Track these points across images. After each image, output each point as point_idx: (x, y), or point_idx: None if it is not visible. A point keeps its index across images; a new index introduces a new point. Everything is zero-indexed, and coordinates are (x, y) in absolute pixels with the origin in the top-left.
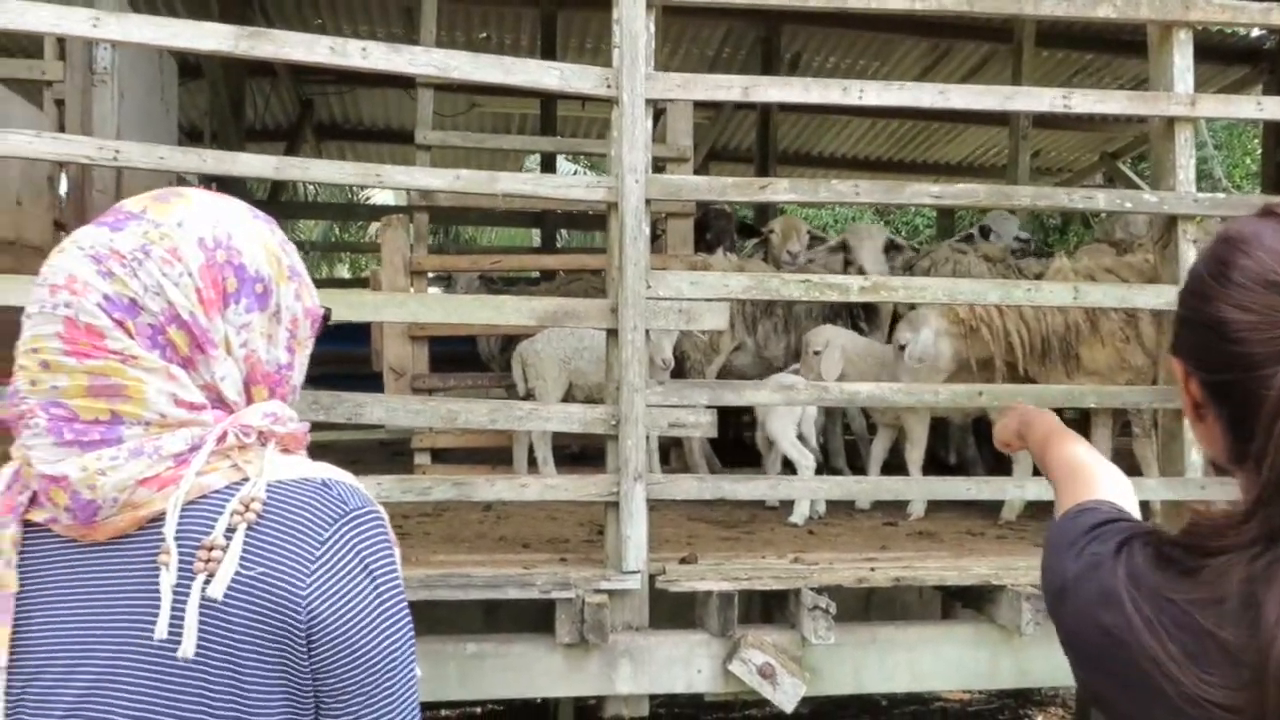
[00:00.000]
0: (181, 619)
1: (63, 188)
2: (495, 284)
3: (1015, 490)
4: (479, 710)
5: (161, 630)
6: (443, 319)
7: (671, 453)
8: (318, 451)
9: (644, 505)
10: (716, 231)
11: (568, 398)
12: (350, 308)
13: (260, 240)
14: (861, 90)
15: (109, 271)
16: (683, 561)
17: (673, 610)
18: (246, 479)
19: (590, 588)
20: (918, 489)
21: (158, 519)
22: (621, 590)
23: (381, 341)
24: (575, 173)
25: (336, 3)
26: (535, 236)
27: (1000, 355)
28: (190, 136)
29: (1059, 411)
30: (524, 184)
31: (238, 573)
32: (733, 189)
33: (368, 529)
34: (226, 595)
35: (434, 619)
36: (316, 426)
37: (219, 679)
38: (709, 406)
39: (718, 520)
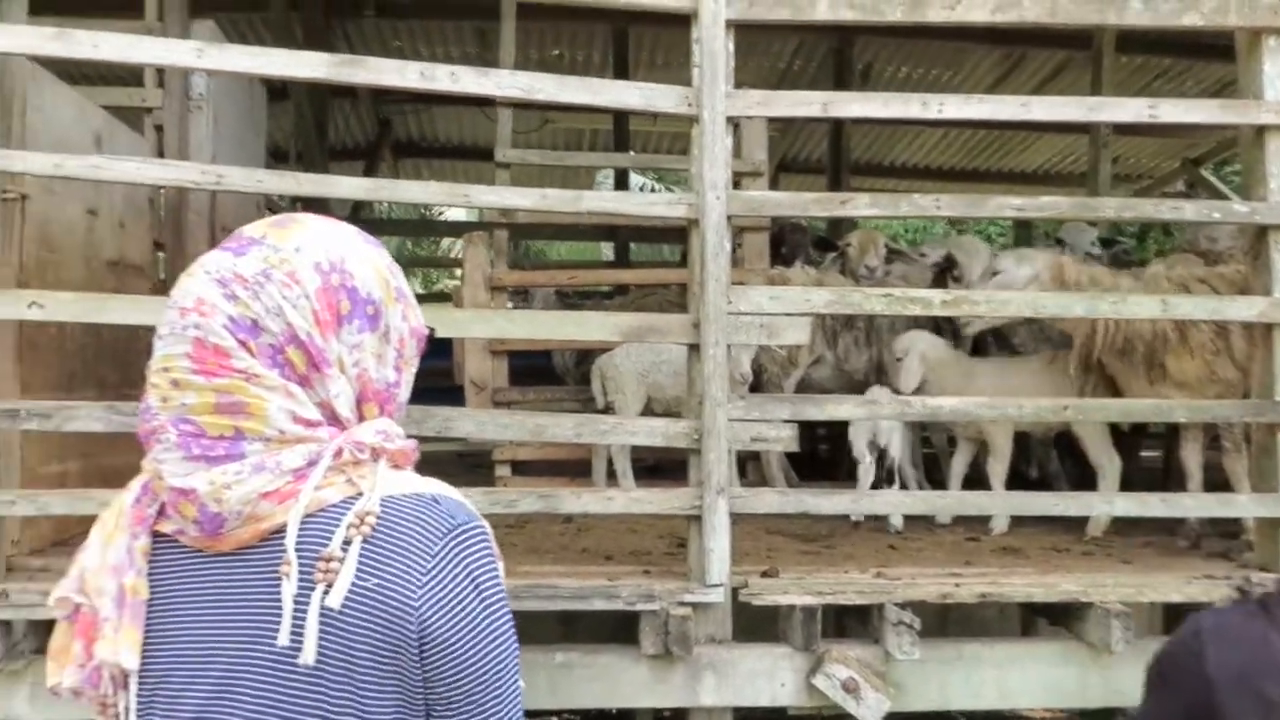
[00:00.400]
0: (302, 627)
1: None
2: (570, 298)
3: (1103, 506)
4: (554, 718)
5: (284, 638)
6: (528, 334)
7: (748, 466)
8: None
9: (727, 519)
10: (792, 245)
11: (646, 411)
12: (439, 324)
13: (371, 264)
14: (941, 104)
15: (233, 294)
16: (764, 575)
17: (752, 623)
18: (361, 493)
19: (674, 600)
20: (1002, 504)
21: (278, 531)
22: (705, 603)
23: (463, 355)
24: (644, 187)
25: (414, 26)
26: (603, 249)
27: (1082, 336)
28: (276, 157)
29: (1144, 426)
30: (607, 202)
31: (354, 583)
32: (813, 204)
33: (474, 543)
34: (344, 605)
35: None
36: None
37: (336, 685)
38: (790, 421)
39: (796, 534)
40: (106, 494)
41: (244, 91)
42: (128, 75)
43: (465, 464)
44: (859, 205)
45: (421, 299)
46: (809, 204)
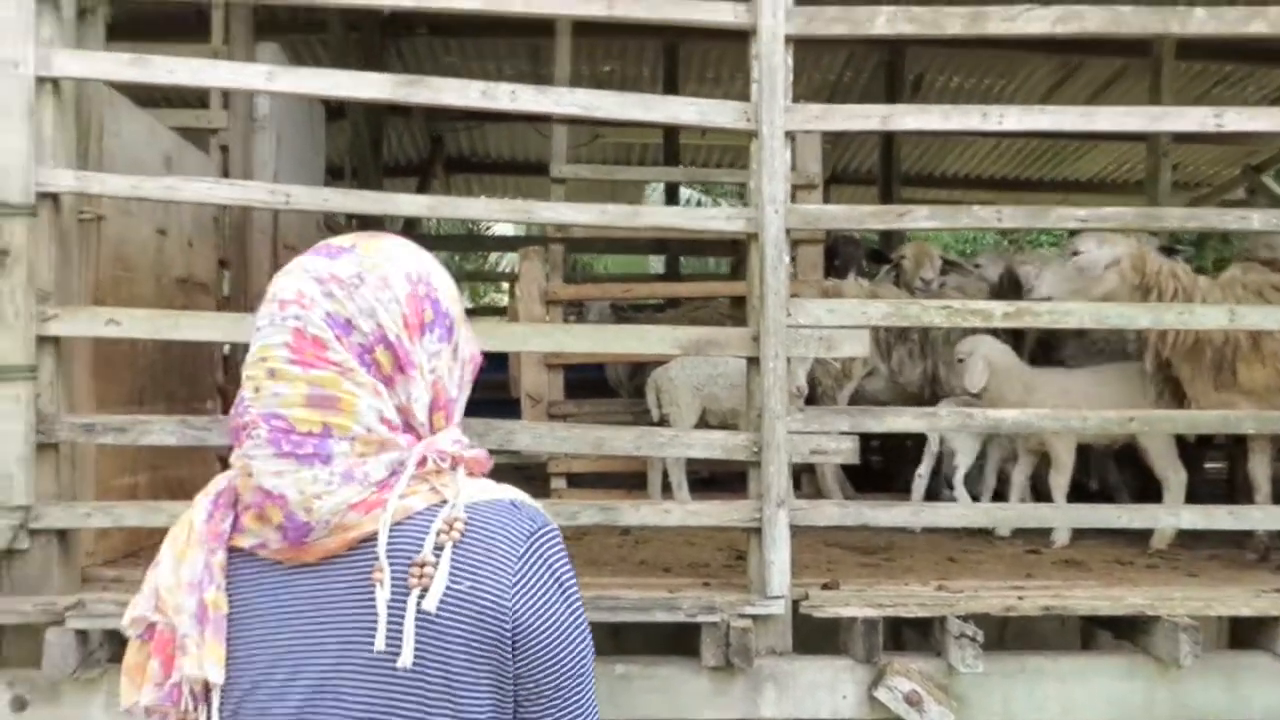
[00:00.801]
0: (399, 631)
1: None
2: (625, 311)
3: (1169, 518)
4: None
5: (380, 642)
6: (588, 348)
7: (803, 478)
8: None
9: (787, 531)
10: (844, 258)
11: (700, 423)
12: (499, 339)
13: (447, 284)
14: (1002, 115)
15: (330, 292)
16: (825, 587)
17: (809, 635)
18: (444, 501)
19: (735, 612)
20: (1066, 516)
21: (366, 540)
22: (765, 615)
23: (519, 369)
24: (690, 200)
25: (465, 43)
26: (649, 261)
27: (1153, 336)
28: (332, 174)
29: (1209, 437)
30: (666, 216)
31: (448, 587)
32: (871, 217)
33: (553, 544)
34: (439, 608)
35: None
36: None
37: (434, 685)
38: (849, 433)
39: (854, 546)
40: (178, 506)
41: (304, 112)
42: (193, 98)
43: (520, 475)
44: (917, 217)
45: (470, 313)
46: (866, 216)
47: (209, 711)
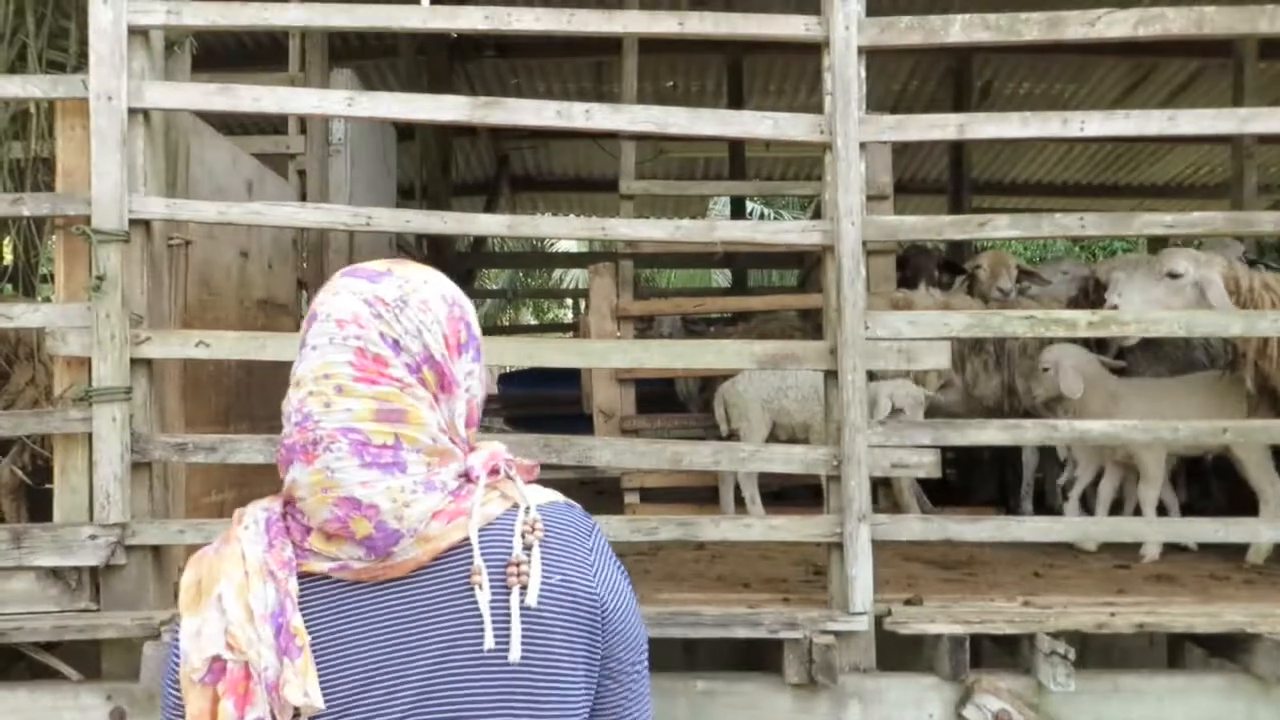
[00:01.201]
0: (504, 628)
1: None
2: (695, 325)
3: (1270, 533)
4: None
5: (489, 641)
6: (665, 364)
7: (879, 492)
8: None
9: (869, 546)
10: (915, 268)
11: (770, 437)
12: (578, 355)
13: (472, 309)
14: (1083, 122)
15: (379, 314)
16: (908, 603)
17: (889, 652)
18: (515, 505)
19: (817, 628)
20: (1159, 530)
21: (451, 549)
22: (848, 631)
23: (591, 384)
24: (753, 213)
25: (530, 64)
26: (713, 275)
27: (1253, 352)
28: (403, 194)
29: None
30: (739, 230)
31: (543, 582)
32: (950, 227)
33: (603, 536)
34: (540, 602)
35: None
36: None
37: (540, 676)
38: (931, 446)
39: (933, 561)
40: None
41: (377, 135)
42: (270, 124)
43: (588, 490)
44: (999, 226)
45: (535, 330)
46: (945, 227)
47: None
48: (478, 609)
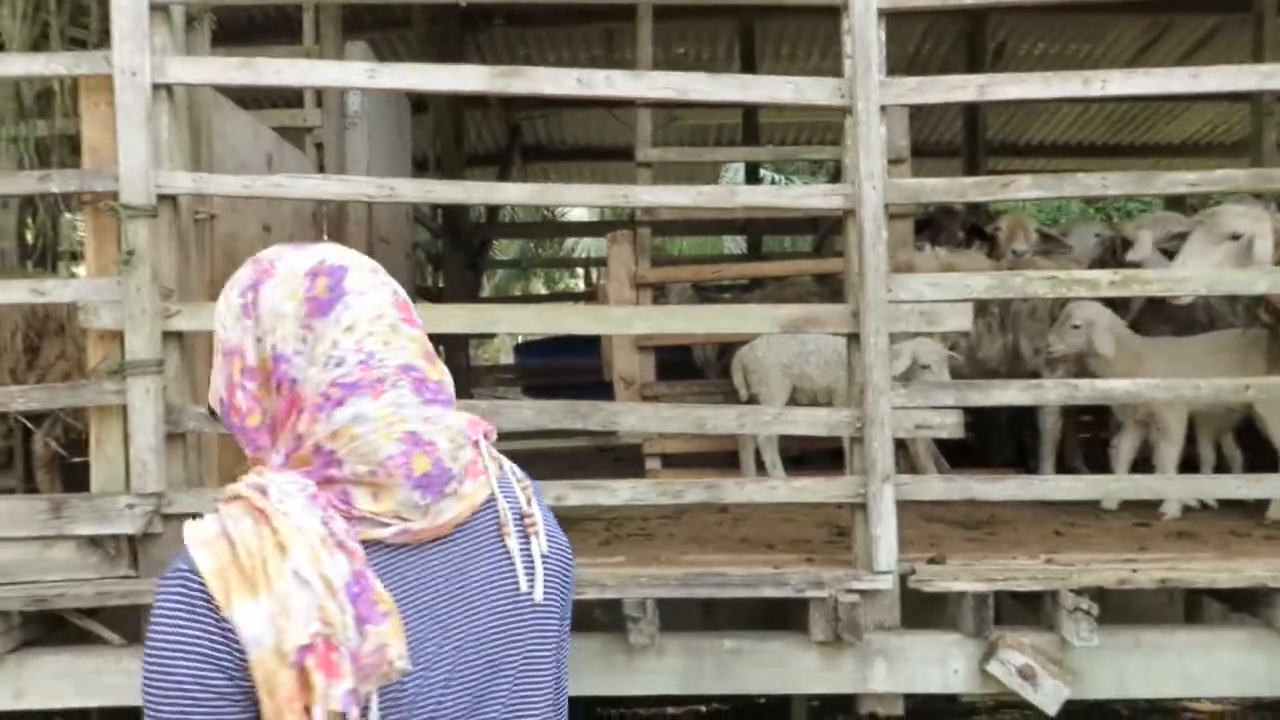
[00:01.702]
0: (530, 574)
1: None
2: (707, 292)
3: None
4: (703, 709)
5: (524, 584)
6: (687, 329)
7: (896, 453)
8: (539, 459)
9: (893, 506)
10: (934, 230)
11: (791, 401)
12: (601, 322)
13: None
14: (1104, 81)
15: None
16: (931, 562)
17: (914, 610)
18: (501, 466)
19: (842, 587)
20: (1181, 487)
21: (480, 506)
22: (873, 590)
23: (611, 351)
24: (765, 179)
25: (541, 33)
26: (724, 242)
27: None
28: (417, 166)
29: None
30: (761, 196)
31: (547, 532)
32: (972, 189)
33: None
34: (549, 550)
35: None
36: (539, 434)
37: (551, 617)
38: (954, 407)
39: (955, 521)
40: None
41: (392, 107)
42: (286, 98)
43: (606, 457)
44: (1021, 187)
45: (547, 299)
46: (968, 189)
47: (369, 709)
48: (508, 558)
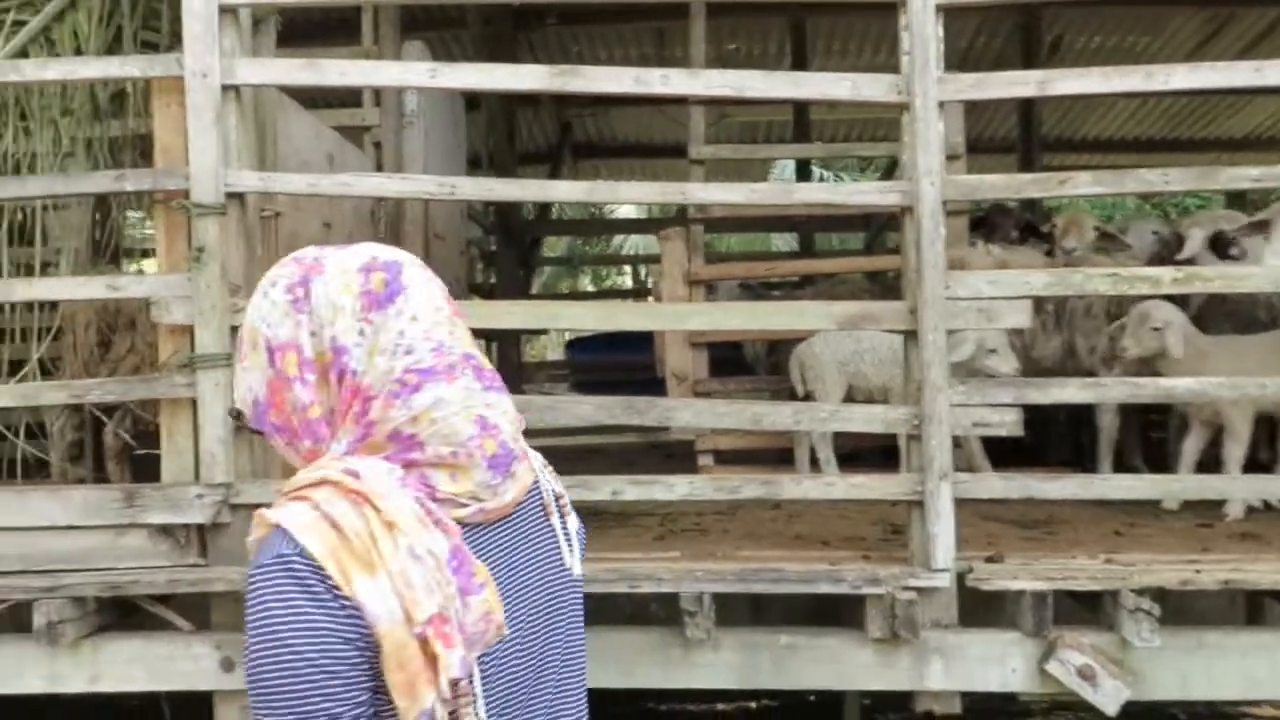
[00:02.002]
0: (569, 548)
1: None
2: (754, 289)
3: None
4: (753, 705)
5: (568, 559)
6: (743, 326)
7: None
8: (591, 455)
9: (950, 504)
10: (989, 228)
11: (846, 399)
12: (657, 318)
13: None
14: (1168, 75)
15: None
16: (989, 560)
17: (969, 609)
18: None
19: (899, 584)
20: (1246, 487)
21: (529, 490)
22: (930, 588)
23: (664, 348)
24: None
25: (593, 31)
26: (772, 239)
27: None
28: (470, 164)
29: None
30: (818, 192)
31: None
32: (1031, 185)
33: None
34: (579, 529)
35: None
36: (590, 430)
37: (581, 589)
38: (1013, 405)
39: (1012, 520)
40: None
41: (447, 106)
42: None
43: (657, 454)
44: (1080, 183)
45: (593, 296)
46: (1026, 185)
47: (473, 676)
48: (553, 536)
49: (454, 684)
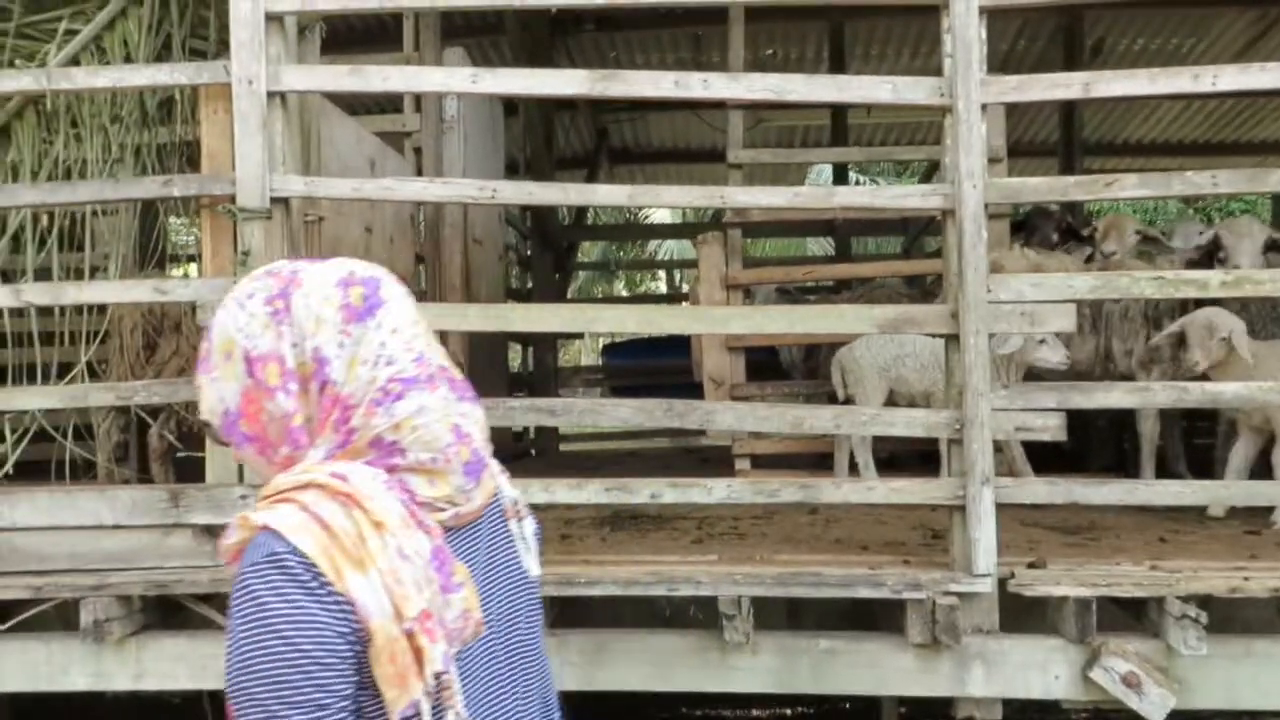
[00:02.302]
0: (527, 551)
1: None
2: (791, 294)
3: None
4: (789, 712)
5: (525, 560)
6: (785, 330)
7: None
8: (627, 459)
9: (992, 509)
10: (1029, 230)
11: (887, 404)
12: (699, 322)
13: None
14: (1215, 76)
15: None
16: (1031, 566)
17: (1009, 616)
18: None
19: (940, 589)
20: None
21: (493, 496)
22: (971, 593)
23: (701, 352)
24: (855, 181)
25: (630, 36)
26: (807, 244)
27: None
28: (508, 169)
29: None
30: (859, 196)
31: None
32: (1075, 188)
33: None
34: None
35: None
36: (624, 435)
37: (538, 590)
38: (1057, 409)
39: (1053, 526)
40: None
41: (486, 111)
42: (387, 104)
43: (692, 459)
44: (1126, 186)
45: (627, 301)
46: (1069, 187)
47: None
48: (513, 538)
49: (437, 676)
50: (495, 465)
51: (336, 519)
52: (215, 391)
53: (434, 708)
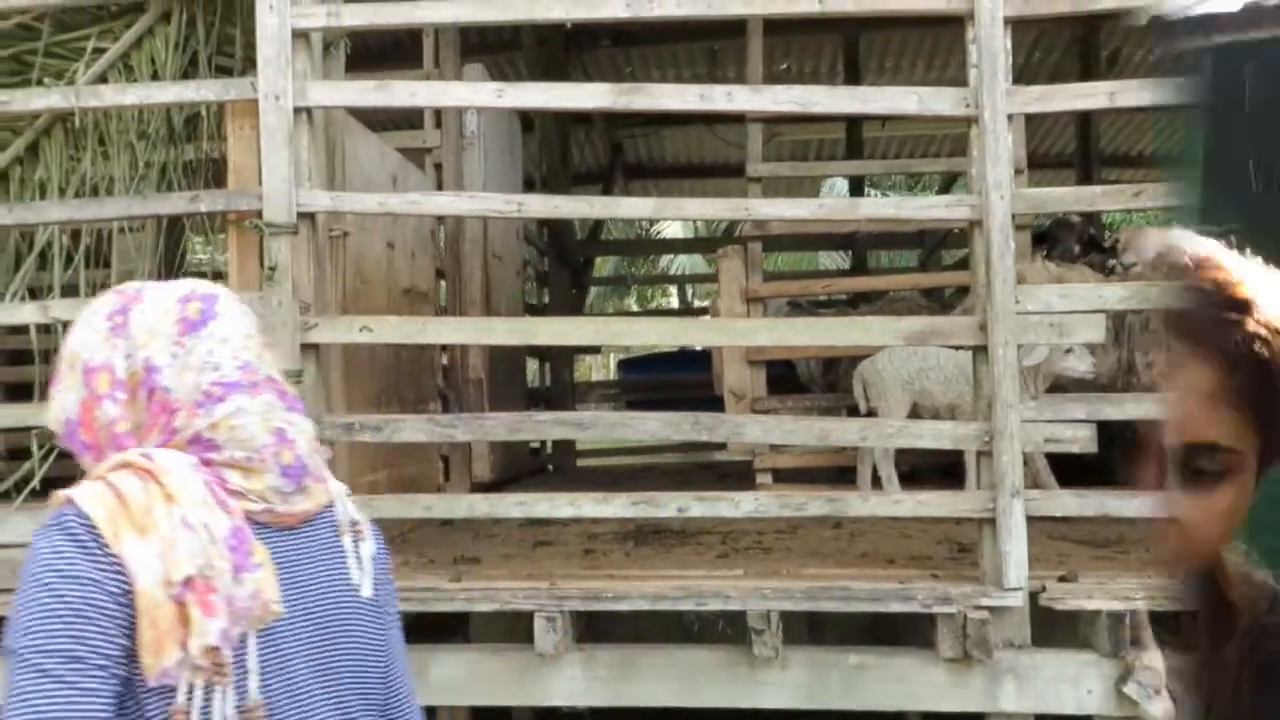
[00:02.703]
0: (359, 571)
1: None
2: (804, 308)
3: None
4: None
5: (356, 577)
6: (810, 343)
7: None
8: (648, 473)
9: (1023, 521)
10: (1051, 242)
11: (911, 417)
12: (723, 335)
13: None
14: None
15: None
16: (1062, 579)
17: (1039, 630)
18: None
19: (970, 603)
20: None
21: (323, 508)
22: (1002, 607)
23: (722, 366)
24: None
25: (646, 51)
26: (820, 258)
27: None
28: (524, 185)
29: None
30: (885, 207)
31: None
32: (1102, 198)
33: None
34: (377, 552)
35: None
36: (641, 450)
37: (381, 610)
38: (1087, 421)
39: (1082, 539)
40: (431, 498)
41: (504, 127)
42: (405, 120)
43: (710, 474)
44: (1153, 195)
45: (636, 314)
46: (1096, 198)
47: (247, 649)
48: (343, 556)
49: (211, 653)
50: (338, 486)
51: (132, 490)
52: (60, 402)
53: (206, 687)
